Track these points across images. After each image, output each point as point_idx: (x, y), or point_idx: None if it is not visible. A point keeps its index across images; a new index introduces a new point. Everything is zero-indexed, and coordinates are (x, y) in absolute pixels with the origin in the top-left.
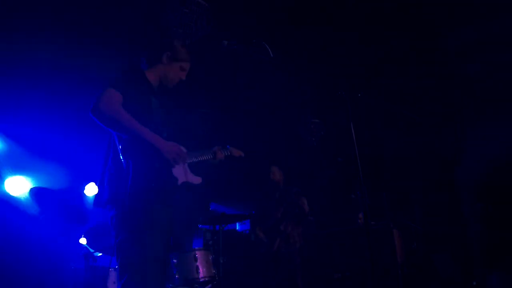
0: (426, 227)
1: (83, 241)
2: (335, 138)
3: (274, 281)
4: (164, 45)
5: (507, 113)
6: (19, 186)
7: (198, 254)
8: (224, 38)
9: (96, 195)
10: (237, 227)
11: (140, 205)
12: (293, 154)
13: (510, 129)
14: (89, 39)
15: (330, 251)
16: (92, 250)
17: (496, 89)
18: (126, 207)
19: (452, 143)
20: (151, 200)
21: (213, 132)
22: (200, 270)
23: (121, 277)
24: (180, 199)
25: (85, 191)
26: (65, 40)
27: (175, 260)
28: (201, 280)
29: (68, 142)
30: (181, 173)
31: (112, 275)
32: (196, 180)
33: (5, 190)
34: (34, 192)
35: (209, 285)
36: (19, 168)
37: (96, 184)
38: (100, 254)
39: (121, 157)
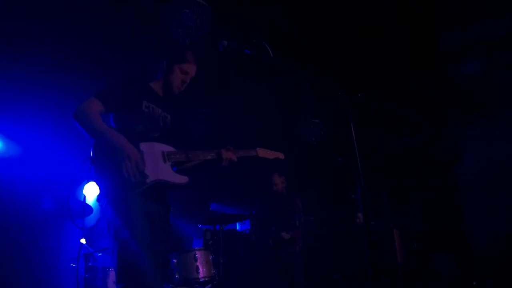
0: (426, 227)
1: (83, 241)
2: (335, 138)
3: (274, 281)
4: (164, 52)
5: (506, 113)
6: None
7: (198, 254)
8: (224, 38)
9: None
10: (237, 227)
11: (112, 194)
12: (293, 154)
13: (510, 129)
14: (89, 38)
15: (330, 251)
16: (92, 250)
17: (496, 89)
18: (103, 197)
19: (452, 143)
20: (118, 189)
21: (213, 132)
22: (200, 270)
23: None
24: (162, 194)
25: (84, 191)
26: (65, 40)
27: (175, 260)
28: (201, 280)
29: (69, 142)
30: (156, 171)
31: (112, 275)
32: (179, 179)
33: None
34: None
35: (209, 285)
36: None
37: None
38: (100, 254)
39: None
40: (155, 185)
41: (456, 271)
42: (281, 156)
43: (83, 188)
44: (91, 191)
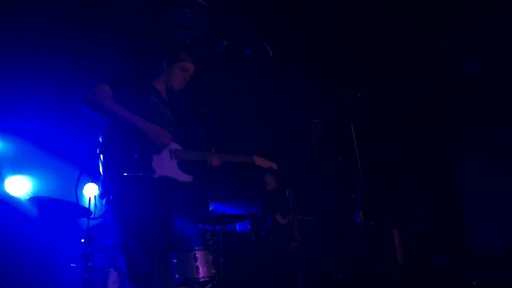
0: (426, 227)
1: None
2: (335, 138)
3: (274, 281)
4: (162, 53)
5: (507, 113)
6: (19, 186)
7: (198, 254)
8: (224, 38)
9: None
10: (237, 227)
11: (116, 189)
12: (293, 154)
13: (510, 129)
14: (90, 38)
15: (330, 251)
16: (92, 250)
17: (497, 89)
18: (106, 192)
19: (452, 143)
20: (125, 186)
21: (213, 132)
22: (200, 270)
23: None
24: (166, 191)
25: (83, 191)
26: (65, 39)
27: (175, 260)
28: (201, 280)
29: (68, 142)
30: (163, 167)
31: (112, 275)
32: (184, 177)
33: (4, 190)
34: (33, 201)
35: (209, 285)
36: (18, 168)
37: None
38: (100, 254)
39: (100, 139)
40: (160, 181)
41: (456, 271)
42: (274, 166)
43: (83, 188)
44: (91, 192)
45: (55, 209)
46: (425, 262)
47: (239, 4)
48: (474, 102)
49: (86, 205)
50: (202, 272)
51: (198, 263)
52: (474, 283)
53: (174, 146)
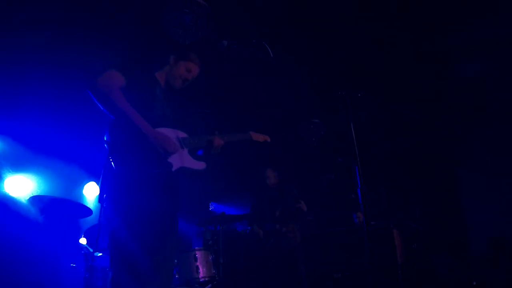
0: (426, 227)
1: (83, 241)
2: (335, 138)
3: (275, 280)
4: (172, 47)
5: (507, 113)
6: (19, 186)
7: (198, 254)
8: (224, 38)
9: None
10: (237, 227)
11: (124, 193)
12: (293, 154)
13: (510, 129)
14: (90, 38)
15: (330, 251)
16: (91, 250)
17: (497, 89)
18: (112, 194)
19: (452, 143)
20: (136, 187)
21: (213, 132)
22: (200, 270)
23: (110, 265)
24: (177, 186)
25: (84, 191)
26: (66, 39)
27: (175, 260)
28: (201, 280)
29: (69, 142)
30: (177, 159)
31: None
32: (198, 165)
33: (4, 190)
34: (34, 200)
35: (209, 285)
36: (19, 168)
37: (97, 183)
38: (100, 254)
39: (105, 138)
40: (177, 173)
41: (456, 271)
42: (268, 139)
43: (83, 189)
44: (91, 192)
45: (55, 209)
46: (425, 262)
47: (239, 4)
48: (474, 102)
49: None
50: (202, 272)
51: (198, 263)
52: (474, 283)
53: (181, 134)
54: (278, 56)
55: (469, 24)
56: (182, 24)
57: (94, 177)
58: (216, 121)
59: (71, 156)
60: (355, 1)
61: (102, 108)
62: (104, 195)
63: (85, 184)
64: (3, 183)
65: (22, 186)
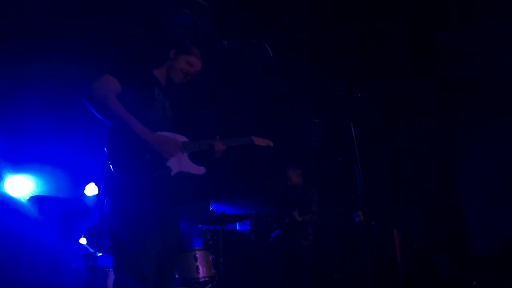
0: (426, 227)
1: (83, 241)
2: (335, 138)
3: (276, 281)
4: (172, 42)
5: (507, 113)
6: (19, 186)
7: (198, 254)
8: (224, 38)
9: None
10: (237, 227)
11: (124, 198)
12: (293, 154)
13: (510, 129)
14: (90, 38)
15: (330, 251)
16: (92, 250)
17: (496, 89)
18: (113, 198)
19: (452, 143)
20: (136, 192)
21: (213, 132)
22: (200, 270)
23: (114, 268)
24: (178, 190)
25: (85, 191)
26: (67, 39)
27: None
28: (201, 280)
29: (69, 142)
30: (176, 163)
31: (112, 275)
32: (198, 170)
33: (4, 191)
34: (33, 200)
35: (209, 285)
36: (19, 168)
37: (96, 184)
38: (100, 254)
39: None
40: (176, 178)
41: (456, 271)
42: (270, 143)
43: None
44: (91, 192)
45: (55, 208)
46: (425, 262)
47: (239, 4)
48: (474, 101)
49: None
50: (202, 272)
51: (198, 263)
52: (474, 283)
53: (181, 138)
54: (278, 56)
55: (469, 24)
56: (182, 24)
57: (94, 177)
58: (216, 121)
59: (71, 156)
60: (355, 1)
61: (98, 116)
62: (106, 200)
63: (85, 184)
64: (3, 183)
65: (22, 186)
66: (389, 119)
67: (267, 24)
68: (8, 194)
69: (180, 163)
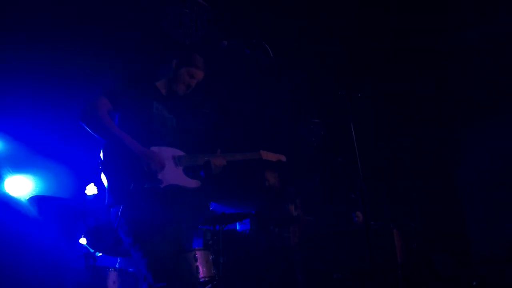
0: (426, 227)
1: (83, 241)
2: (335, 138)
3: (273, 280)
4: (174, 53)
5: (507, 113)
6: (19, 186)
7: (198, 254)
8: (224, 38)
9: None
10: (237, 227)
11: (128, 204)
12: (293, 154)
13: (510, 129)
14: (90, 39)
15: (330, 251)
16: (92, 250)
17: (497, 89)
18: (113, 204)
19: (452, 143)
20: (133, 198)
21: (212, 132)
22: (200, 270)
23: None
24: (171, 201)
25: (85, 191)
26: (67, 40)
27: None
28: (201, 280)
29: (69, 142)
30: (168, 176)
31: (112, 275)
32: (191, 183)
33: (4, 191)
34: (33, 200)
35: (209, 285)
36: (19, 168)
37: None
38: (100, 254)
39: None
40: (168, 190)
41: (456, 271)
42: (283, 158)
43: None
44: (91, 192)
45: (55, 208)
46: (425, 262)
47: (239, 4)
48: (474, 102)
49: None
50: (202, 272)
51: (198, 263)
52: (474, 283)
53: (178, 152)
54: (278, 56)
55: (470, 24)
56: (182, 24)
57: (94, 177)
58: (216, 121)
59: (72, 156)
60: (355, 1)
61: (94, 134)
62: (112, 210)
63: (86, 184)
64: (3, 183)
65: (22, 186)
66: (389, 118)
67: (267, 24)
68: (8, 194)
69: (173, 177)
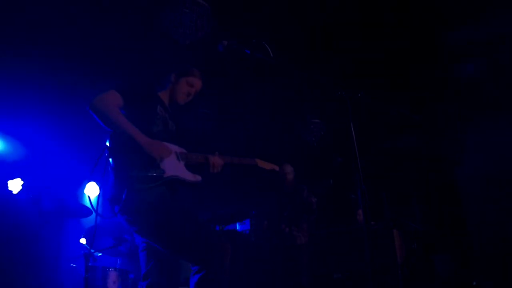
0: (426, 227)
1: (83, 241)
2: (335, 138)
3: (276, 281)
4: (172, 66)
5: (507, 113)
6: (19, 186)
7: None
8: (224, 38)
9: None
10: (237, 227)
11: (130, 186)
12: (292, 154)
13: (510, 129)
14: (89, 39)
15: (330, 251)
16: (92, 250)
17: (497, 89)
18: (119, 198)
19: (452, 143)
20: (137, 189)
21: (212, 132)
22: None
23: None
24: (171, 194)
25: (85, 191)
26: (67, 42)
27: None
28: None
29: (70, 142)
30: (170, 167)
31: (112, 275)
32: (192, 177)
33: (5, 190)
34: (33, 199)
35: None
36: (19, 168)
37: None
38: (100, 254)
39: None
40: (170, 182)
41: (456, 271)
42: (276, 168)
43: (84, 188)
44: (91, 192)
45: (55, 208)
46: (425, 262)
47: (239, 4)
48: (474, 101)
49: (87, 204)
50: None
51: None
52: (474, 283)
53: (179, 149)
54: (278, 56)
55: (469, 23)
56: (182, 24)
57: (95, 176)
58: (215, 121)
59: (72, 156)
60: (355, 1)
61: (100, 123)
62: (115, 207)
63: (85, 184)
64: (4, 183)
65: (22, 186)
66: (389, 118)
67: (266, 23)
68: (8, 193)
69: (176, 169)
